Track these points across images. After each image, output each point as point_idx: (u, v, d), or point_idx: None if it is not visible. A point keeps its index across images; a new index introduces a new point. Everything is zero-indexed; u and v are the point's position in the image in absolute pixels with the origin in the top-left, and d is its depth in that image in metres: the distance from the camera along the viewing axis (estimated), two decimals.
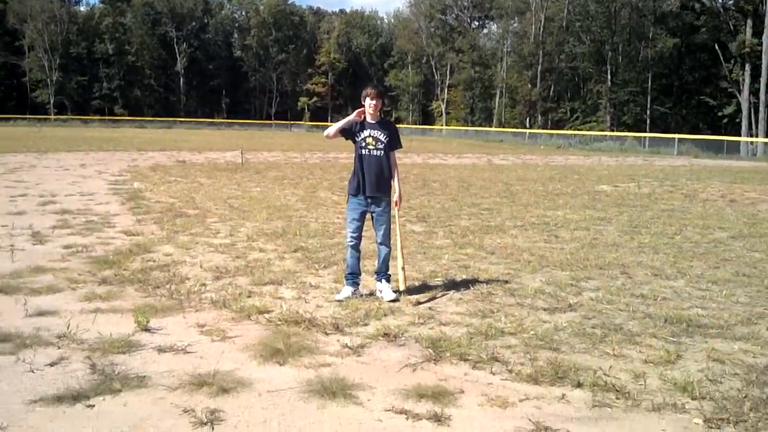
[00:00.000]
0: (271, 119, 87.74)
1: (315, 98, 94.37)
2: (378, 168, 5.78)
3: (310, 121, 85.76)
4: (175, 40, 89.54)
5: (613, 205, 13.51)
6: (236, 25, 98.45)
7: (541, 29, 64.07)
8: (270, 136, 54.49)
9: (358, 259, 5.89)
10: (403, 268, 5.87)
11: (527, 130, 59.57)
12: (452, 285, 6.33)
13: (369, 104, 5.77)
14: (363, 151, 5.80)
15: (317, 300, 5.71)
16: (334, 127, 5.93)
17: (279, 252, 7.75)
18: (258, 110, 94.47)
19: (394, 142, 5.90)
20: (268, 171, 19.64)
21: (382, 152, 5.81)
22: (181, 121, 74.12)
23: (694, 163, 31.63)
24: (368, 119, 5.83)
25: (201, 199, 12.52)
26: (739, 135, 46.21)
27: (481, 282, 6.41)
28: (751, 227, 10.76)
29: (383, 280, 5.88)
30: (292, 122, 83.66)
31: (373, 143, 5.79)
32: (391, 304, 5.61)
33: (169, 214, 10.37)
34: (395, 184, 5.91)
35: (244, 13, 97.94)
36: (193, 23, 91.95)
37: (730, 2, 54.08)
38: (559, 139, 51.58)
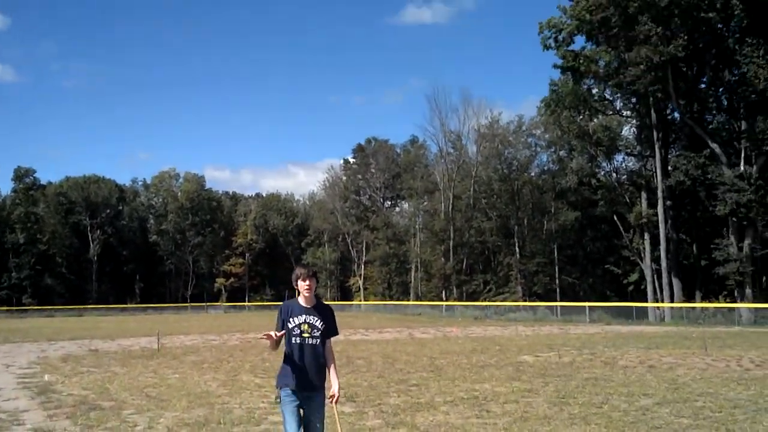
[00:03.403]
0: (187, 302, 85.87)
1: (232, 279, 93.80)
2: (314, 358, 5.09)
3: (227, 302, 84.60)
4: (88, 227, 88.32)
5: (538, 375, 13.60)
6: (152, 210, 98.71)
7: (450, 207, 66.95)
8: (186, 319, 53.16)
9: None
10: None
11: (444, 303, 60.39)
12: None
13: (302, 286, 5.14)
14: (296, 339, 5.09)
15: None
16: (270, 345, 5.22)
17: None
18: (173, 293, 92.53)
19: (331, 329, 5.24)
20: (185, 356, 18.97)
21: (318, 340, 5.14)
22: (92, 308, 71.65)
23: (608, 329, 32.53)
24: (302, 303, 5.20)
25: (116, 390, 11.92)
26: (646, 301, 48.04)
27: None
28: (674, 392, 11.00)
29: None
30: (208, 304, 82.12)
31: (309, 330, 5.10)
32: None
33: (83, 408, 9.82)
34: (332, 375, 5.22)
35: (161, 200, 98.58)
36: (108, 210, 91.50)
37: (624, 177, 58.42)
38: (475, 311, 52.44)
